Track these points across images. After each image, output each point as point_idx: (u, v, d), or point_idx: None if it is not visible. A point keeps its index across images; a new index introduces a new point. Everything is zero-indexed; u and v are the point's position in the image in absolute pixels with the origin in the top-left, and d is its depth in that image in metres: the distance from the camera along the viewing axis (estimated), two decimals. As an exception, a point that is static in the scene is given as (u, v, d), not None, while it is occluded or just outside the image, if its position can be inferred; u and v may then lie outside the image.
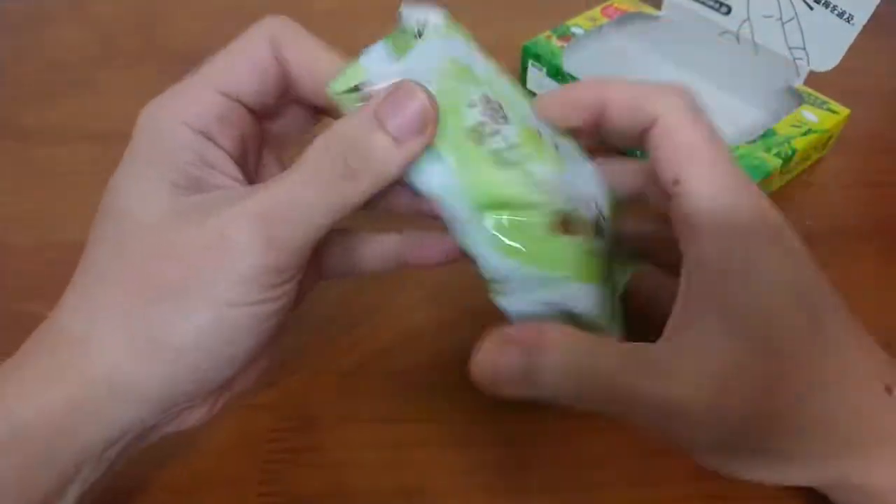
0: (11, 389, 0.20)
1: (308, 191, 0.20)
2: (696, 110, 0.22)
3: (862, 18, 0.34)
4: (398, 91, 0.20)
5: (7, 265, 0.36)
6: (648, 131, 0.22)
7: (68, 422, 0.20)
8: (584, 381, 0.20)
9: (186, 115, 0.22)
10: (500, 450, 0.28)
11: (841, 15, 0.35)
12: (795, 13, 0.37)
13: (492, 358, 0.21)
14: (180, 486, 0.27)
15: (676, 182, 0.21)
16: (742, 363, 0.20)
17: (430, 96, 0.20)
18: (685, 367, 0.20)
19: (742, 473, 0.22)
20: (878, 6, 0.34)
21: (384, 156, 0.20)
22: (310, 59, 0.23)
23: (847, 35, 0.35)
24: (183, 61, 0.46)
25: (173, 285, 0.20)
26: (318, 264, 0.25)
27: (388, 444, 0.28)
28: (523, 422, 0.28)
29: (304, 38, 0.23)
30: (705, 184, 0.21)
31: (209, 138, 0.22)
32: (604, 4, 0.47)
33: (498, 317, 0.26)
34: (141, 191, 0.21)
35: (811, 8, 0.36)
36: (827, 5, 0.35)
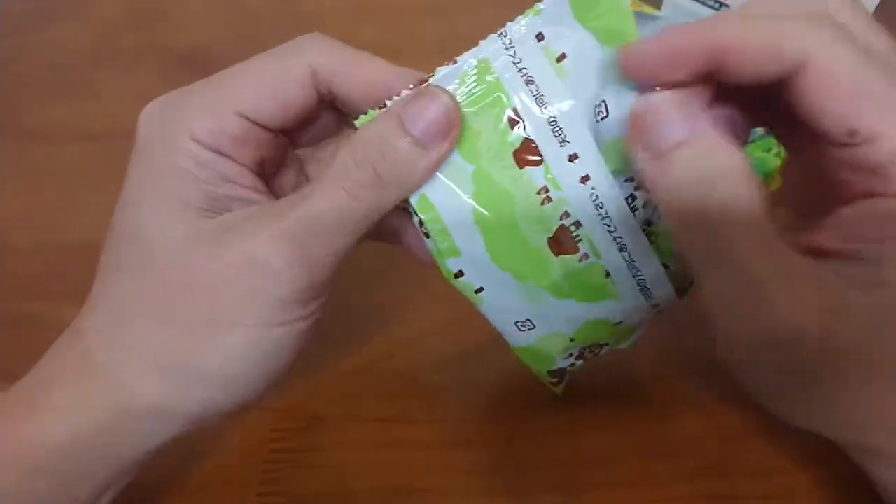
0: (46, 415, 0.20)
1: (338, 204, 0.19)
2: (853, 39, 0.18)
3: (862, 18, 0.34)
4: (421, 95, 0.20)
5: (7, 265, 0.36)
6: (795, 78, 0.18)
7: (104, 445, 0.20)
8: (709, 192, 0.17)
9: (197, 131, 0.20)
10: (500, 450, 0.28)
11: (841, 15, 0.35)
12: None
13: (666, 105, 0.18)
14: (181, 486, 0.27)
15: (854, 133, 0.18)
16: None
17: (453, 98, 0.20)
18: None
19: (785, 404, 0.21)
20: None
21: (410, 161, 0.20)
22: (354, 70, 0.22)
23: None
24: (183, 61, 0.47)
25: (206, 314, 0.19)
26: None
27: (388, 444, 0.28)
28: (523, 422, 0.28)
29: (345, 51, 0.22)
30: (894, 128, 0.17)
31: (225, 155, 0.21)
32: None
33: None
34: (160, 215, 0.20)
35: (811, 8, 0.36)
36: (827, 5, 0.35)
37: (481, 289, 0.22)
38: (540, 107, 0.20)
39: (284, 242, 0.19)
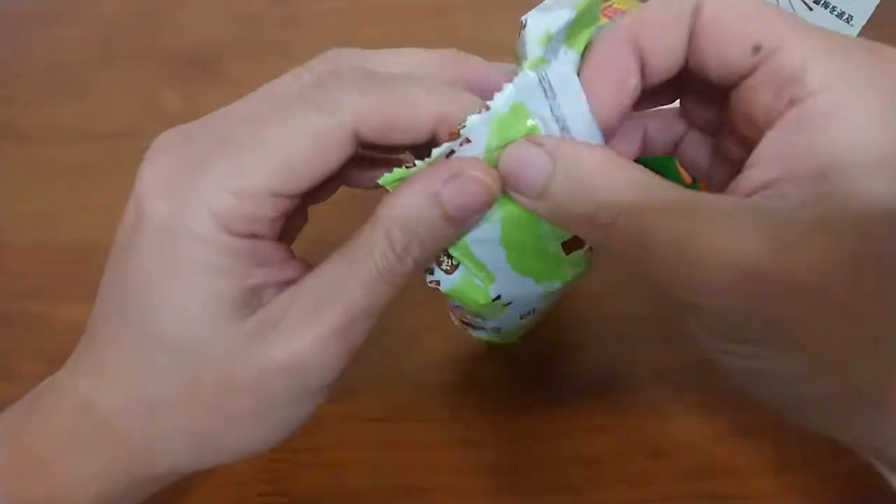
0: (74, 483, 0.20)
1: (378, 291, 0.19)
2: None
3: (861, 19, 0.34)
4: (461, 178, 0.18)
5: (7, 265, 0.36)
6: (699, 15, 0.18)
7: (138, 492, 0.21)
8: (603, 199, 0.17)
9: (231, 220, 0.18)
10: (501, 450, 0.28)
11: (840, 16, 0.35)
12: (795, 14, 0.37)
13: (520, 151, 0.19)
14: (180, 486, 0.27)
15: (758, 48, 0.18)
16: (846, 244, 0.16)
17: (492, 177, 0.19)
18: (742, 219, 0.16)
19: (766, 389, 0.19)
20: (878, 6, 0.34)
21: (447, 238, 0.20)
22: (397, 121, 0.19)
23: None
24: (183, 62, 0.47)
25: (249, 407, 0.19)
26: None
27: (388, 444, 0.28)
28: (523, 422, 0.28)
29: (384, 92, 0.19)
30: (799, 38, 0.17)
31: (258, 237, 0.19)
32: (604, 5, 0.47)
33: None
34: (191, 316, 0.18)
35: (810, 9, 0.36)
36: (826, 6, 0.35)
37: (510, 303, 0.23)
38: (555, 124, 0.19)
39: (331, 339, 0.19)
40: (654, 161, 0.29)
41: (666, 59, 0.19)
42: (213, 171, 0.18)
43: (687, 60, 0.19)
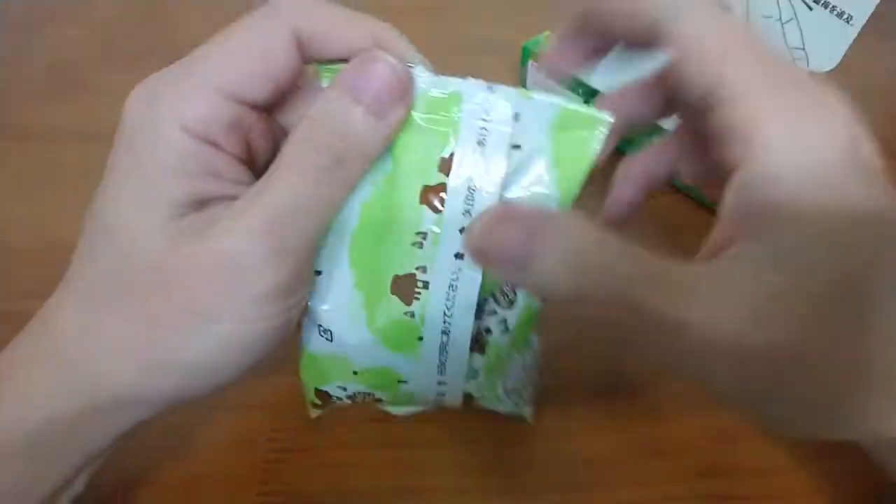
0: (20, 402, 0.20)
1: (306, 190, 0.19)
2: (716, 9, 0.19)
3: (861, 19, 0.34)
4: (368, 59, 0.19)
5: (7, 265, 0.36)
6: (666, 37, 0.19)
7: (77, 431, 0.20)
8: (587, 278, 0.17)
9: (188, 120, 0.19)
10: (500, 450, 0.28)
11: (840, 15, 0.35)
12: (795, 13, 0.37)
13: (490, 228, 0.18)
14: (180, 486, 0.27)
15: (709, 95, 0.18)
16: (801, 297, 0.17)
17: (402, 64, 0.19)
18: (719, 291, 0.17)
19: (773, 420, 0.19)
20: (878, 6, 0.34)
21: (368, 133, 0.19)
22: (339, 32, 0.20)
23: (846, 35, 0.35)
24: (183, 61, 0.46)
25: (182, 312, 0.19)
26: None
27: (388, 444, 0.28)
28: (523, 422, 0.28)
29: (325, 9, 0.20)
30: (757, 85, 0.18)
31: (214, 144, 0.20)
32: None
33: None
34: (140, 211, 0.19)
35: (810, 8, 0.36)
36: (826, 6, 0.35)
37: (319, 272, 0.22)
38: (472, 170, 0.20)
39: (257, 237, 0.18)
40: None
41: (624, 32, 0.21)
42: (178, 82, 0.20)
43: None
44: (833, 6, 0.35)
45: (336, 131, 0.19)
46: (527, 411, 0.27)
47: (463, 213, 0.20)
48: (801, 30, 0.37)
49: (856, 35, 0.35)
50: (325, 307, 0.22)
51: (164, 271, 0.19)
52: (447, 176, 0.20)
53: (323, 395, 0.25)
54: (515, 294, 0.23)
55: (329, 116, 0.19)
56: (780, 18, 0.38)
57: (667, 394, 0.29)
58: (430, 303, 0.21)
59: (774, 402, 0.18)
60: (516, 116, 0.20)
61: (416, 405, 0.26)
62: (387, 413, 0.29)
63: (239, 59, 0.20)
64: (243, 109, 0.20)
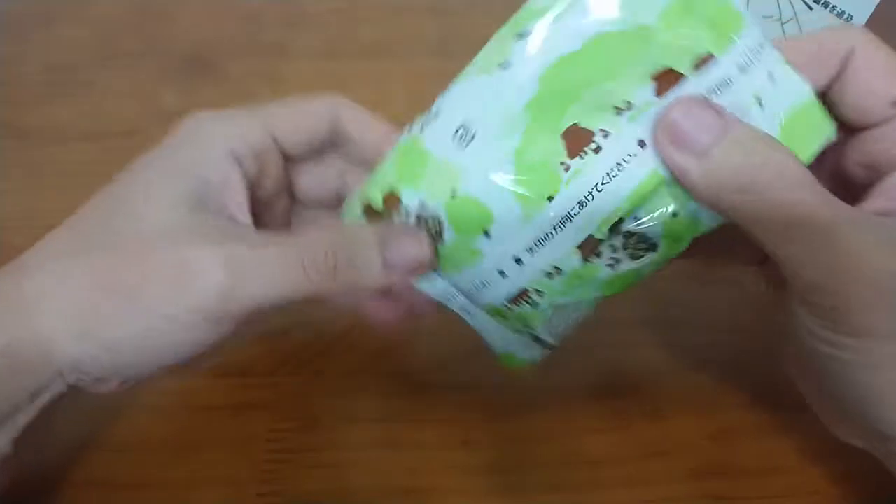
0: None
1: (288, 267, 0.21)
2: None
3: (861, 18, 0.34)
4: (409, 234, 0.22)
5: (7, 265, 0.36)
6: (850, 59, 0.21)
7: (4, 365, 0.21)
8: (760, 177, 0.19)
9: (233, 139, 0.23)
10: (500, 450, 0.28)
11: (840, 15, 0.35)
12: (795, 13, 0.37)
13: (689, 108, 0.20)
14: (180, 486, 0.27)
15: None
16: None
17: (432, 249, 0.22)
18: (888, 238, 0.19)
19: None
20: (878, 6, 0.34)
21: (369, 275, 0.22)
22: (368, 120, 0.25)
23: (847, 35, 0.35)
24: (183, 62, 0.47)
25: (128, 290, 0.20)
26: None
27: (388, 444, 0.28)
28: (523, 422, 0.28)
29: (362, 111, 0.26)
30: None
31: (240, 165, 0.23)
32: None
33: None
34: (156, 192, 0.22)
35: (810, 8, 0.36)
36: (826, 5, 0.35)
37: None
38: (720, 81, 0.20)
39: (221, 266, 0.20)
40: None
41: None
42: (234, 114, 0.24)
43: (824, 93, 0.21)
44: (833, 6, 0.35)
45: (349, 257, 0.21)
46: (540, 348, 0.25)
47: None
48: (801, 30, 0.37)
49: (856, 35, 0.35)
50: (475, 108, 0.21)
51: (143, 250, 0.21)
52: (694, 70, 0.20)
53: (391, 200, 0.23)
54: (648, 248, 0.22)
55: (354, 243, 0.22)
56: (781, 18, 0.38)
57: (667, 394, 0.29)
58: (589, 167, 0.20)
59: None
60: (771, 76, 0.21)
61: (453, 277, 0.23)
62: (385, 413, 0.29)
63: (285, 107, 0.25)
64: (274, 147, 0.25)
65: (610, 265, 0.22)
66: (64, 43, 0.50)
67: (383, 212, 0.23)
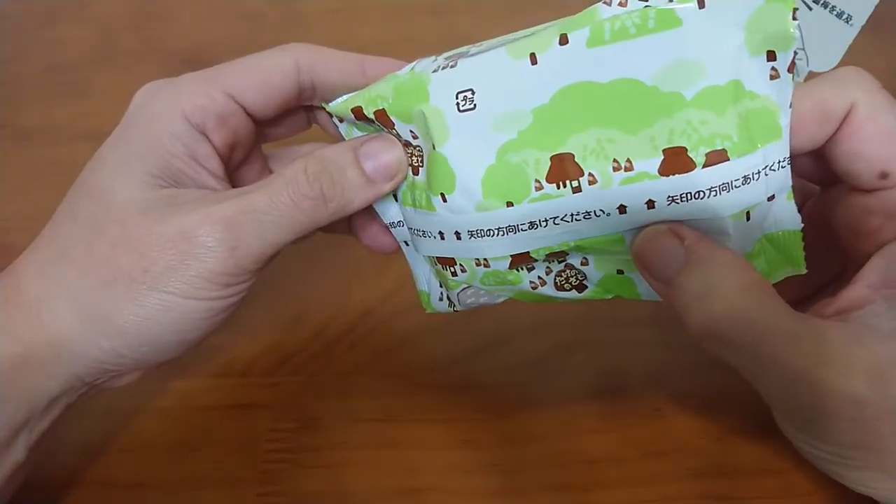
0: None
1: (279, 206, 0.21)
2: (885, 92, 0.21)
3: (861, 19, 0.34)
4: (381, 138, 0.23)
5: (7, 265, 0.35)
6: (847, 119, 0.20)
7: (15, 375, 0.21)
8: (723, 316, 0.19)
9: (186, 106, 0.22)
10: (500, 450, 0.28)
11: (840, 15, 0.35)
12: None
13: (654, 236, 0.20)
14: (180, 486, 0.27)
15: (885, 175, 0.20)
16: None
17: (404, 152, 0.23)
18: (850, 356, 0.19)
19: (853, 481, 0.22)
20: (878, 6, 0.34)
21: (355, 190, 0.22)
22: (333, 59, 0.24)
23: (846, 35, 0.35)
24: (183, 61, 0.47)
25: (132, 274, 0.20)
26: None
27: (388, 444, 0.28)
28: (523, 422, 0.28)
29: (327, 49, 0.25)
30: None
31: (203, 132, 0.23)
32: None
33: (498, 316, 0.25)
34: (121, 174, 0.22)
35: (810, 8, 0.36)
36: (826, 6, 0.35)
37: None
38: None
39: (219, 225, 0.21)
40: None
41: (805, 143, 0.21)
42: (187, 79, 0.23)
43: (819, 149, 0.21)
44: (833, 6, 0.35)
45: (331, 175, 0.22)
46: (447, 305, 0.26)
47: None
48: (800, 30, 0.37)
49: (855, 35, 0.35)
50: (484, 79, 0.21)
51: (127, 236, 0.21)
52: (704, 163, 0.19)
53: (383, 119, 0.23)
54: (575, 287, 0.23)
55: (332, 162, 0.22)
56: (780, 18, 0.38)
57: (667, 394, 0.29)
58: (560, 199, 0.20)
59: (865, 454, 0.20)
60: (771, 197, 0.21)
61: (407, 210, 0.24)
62: (385, 413, 0.29)
63: (246, 69, 0.24)
64: (238, 110, 0.24)
65: (533, 284, 0.23)
66: (64, 43, 0.50)
67: (344, 115, 0.24)
